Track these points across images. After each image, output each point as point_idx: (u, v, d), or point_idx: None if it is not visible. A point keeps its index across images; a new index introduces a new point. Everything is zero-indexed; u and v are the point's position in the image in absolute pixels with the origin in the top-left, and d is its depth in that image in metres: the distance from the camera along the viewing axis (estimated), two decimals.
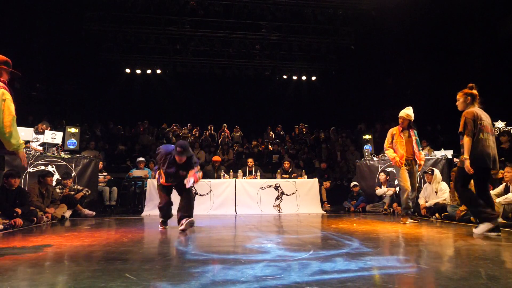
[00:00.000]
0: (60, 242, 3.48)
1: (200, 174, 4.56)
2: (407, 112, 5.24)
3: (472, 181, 3.93)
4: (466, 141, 3.77)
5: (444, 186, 5.68)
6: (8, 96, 3.03)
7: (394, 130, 5.29)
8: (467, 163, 3.71)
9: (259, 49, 12.74)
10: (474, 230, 3.83)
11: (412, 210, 5.16)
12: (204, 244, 3.46)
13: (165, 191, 4.67)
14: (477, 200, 3.80)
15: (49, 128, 7.35)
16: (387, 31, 11.55)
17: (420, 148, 5.30)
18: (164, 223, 4.73)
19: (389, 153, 5.22)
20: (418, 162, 5.17)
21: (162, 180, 4.55)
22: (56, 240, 3.61)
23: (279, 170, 7.93)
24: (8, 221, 4.50)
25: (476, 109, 3.89)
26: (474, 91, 3.99)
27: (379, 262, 2.52)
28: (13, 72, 3.24)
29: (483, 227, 3.70)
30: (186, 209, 4.44)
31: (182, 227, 4.27)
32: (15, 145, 3.04)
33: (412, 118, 5.28)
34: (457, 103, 4.05)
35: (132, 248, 3.17)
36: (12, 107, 3.02)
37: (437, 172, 5.83)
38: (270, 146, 11.61)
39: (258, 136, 12.87)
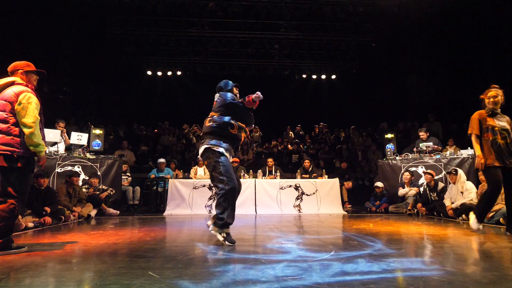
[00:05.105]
0: (86, 240, 3.60)
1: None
2: None
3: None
4: None
5: (469, 185, 5.48)
6: (34, 100, 3.02)
7: None
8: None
9: (278, 48, 12.69)
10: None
11: None
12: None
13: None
14: None
15: (64, 124, 7.33)
16: (409, 27, 11.24)
17: None
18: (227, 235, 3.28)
19: None
20: None
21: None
22: (83, 238, 3.74)
23: (299, 170, 7.89)
24: (38, 219, 4.71)
25: None
26: None
27: (403, 264, 2.46)
28: (39, 72, 3.21)
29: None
30: None
31: None
32: (35, 143, 2.99)
33: None
34: (498, 98, 3.92)
35: (155, 246, 3.23)
36: (36, 112, 3.01)
37: (460, 172, 5.64)
38: (289, 146, 11.56)
39: (277, 136, 12.84)
